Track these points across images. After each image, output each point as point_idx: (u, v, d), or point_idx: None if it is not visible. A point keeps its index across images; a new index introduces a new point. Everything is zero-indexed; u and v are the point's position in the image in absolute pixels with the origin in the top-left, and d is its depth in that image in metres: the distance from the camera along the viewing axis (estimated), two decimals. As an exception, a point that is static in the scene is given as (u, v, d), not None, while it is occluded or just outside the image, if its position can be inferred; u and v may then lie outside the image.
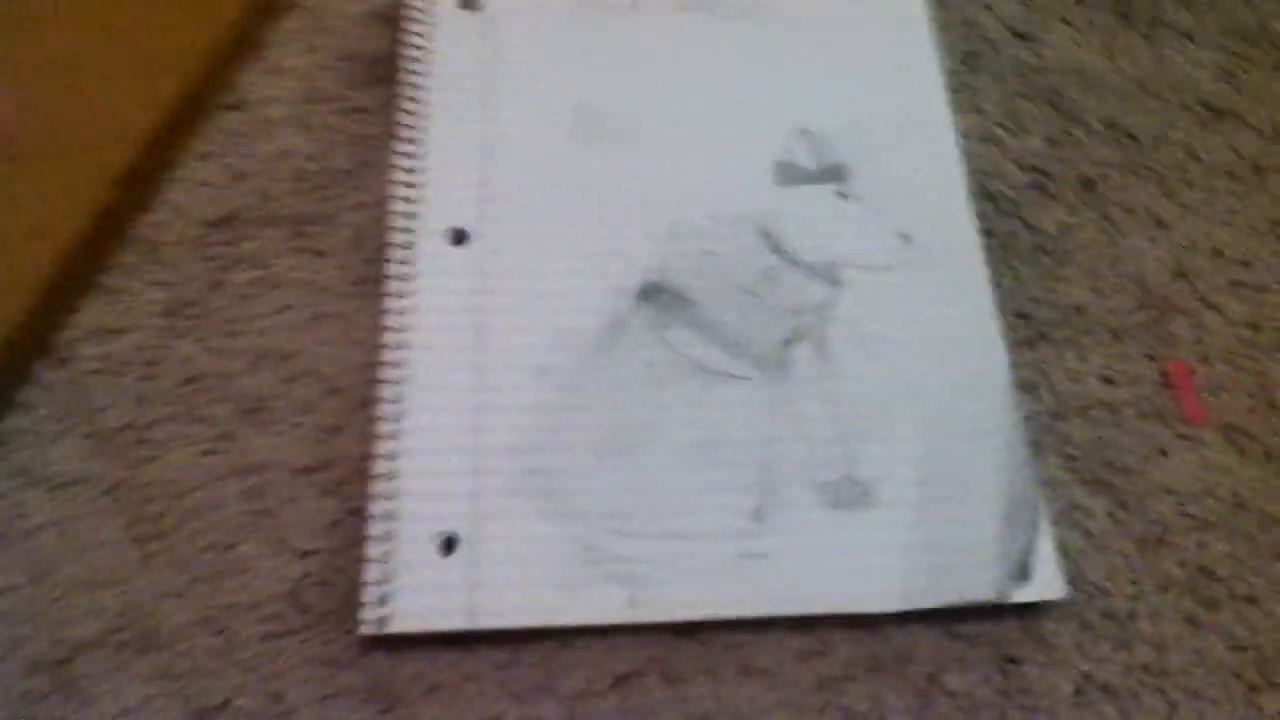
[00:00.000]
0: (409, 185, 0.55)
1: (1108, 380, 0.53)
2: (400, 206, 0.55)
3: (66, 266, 0.53)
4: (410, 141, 0.57)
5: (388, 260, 0.54)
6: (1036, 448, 0.51)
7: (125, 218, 0.56)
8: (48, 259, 0.53)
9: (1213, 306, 0.55)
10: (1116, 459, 0.51)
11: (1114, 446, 0.52)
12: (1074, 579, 0.49)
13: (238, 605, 0.47)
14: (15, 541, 0.48)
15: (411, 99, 0.58)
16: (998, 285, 0.55)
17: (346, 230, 0.56)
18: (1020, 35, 0.63)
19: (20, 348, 0.51)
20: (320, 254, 0.56)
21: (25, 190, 0.54)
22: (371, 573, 0.47)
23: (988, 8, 0.64)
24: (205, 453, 0.50)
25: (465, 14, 0.61)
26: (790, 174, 0.57)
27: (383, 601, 0.47)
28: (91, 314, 0.53)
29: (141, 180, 0.56)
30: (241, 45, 0.61)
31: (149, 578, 0.47)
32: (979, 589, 0.48)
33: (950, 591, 0.48)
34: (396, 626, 0.46)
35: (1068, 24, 0.64)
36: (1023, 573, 0.48)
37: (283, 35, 0.62)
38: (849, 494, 0.49)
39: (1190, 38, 0.64)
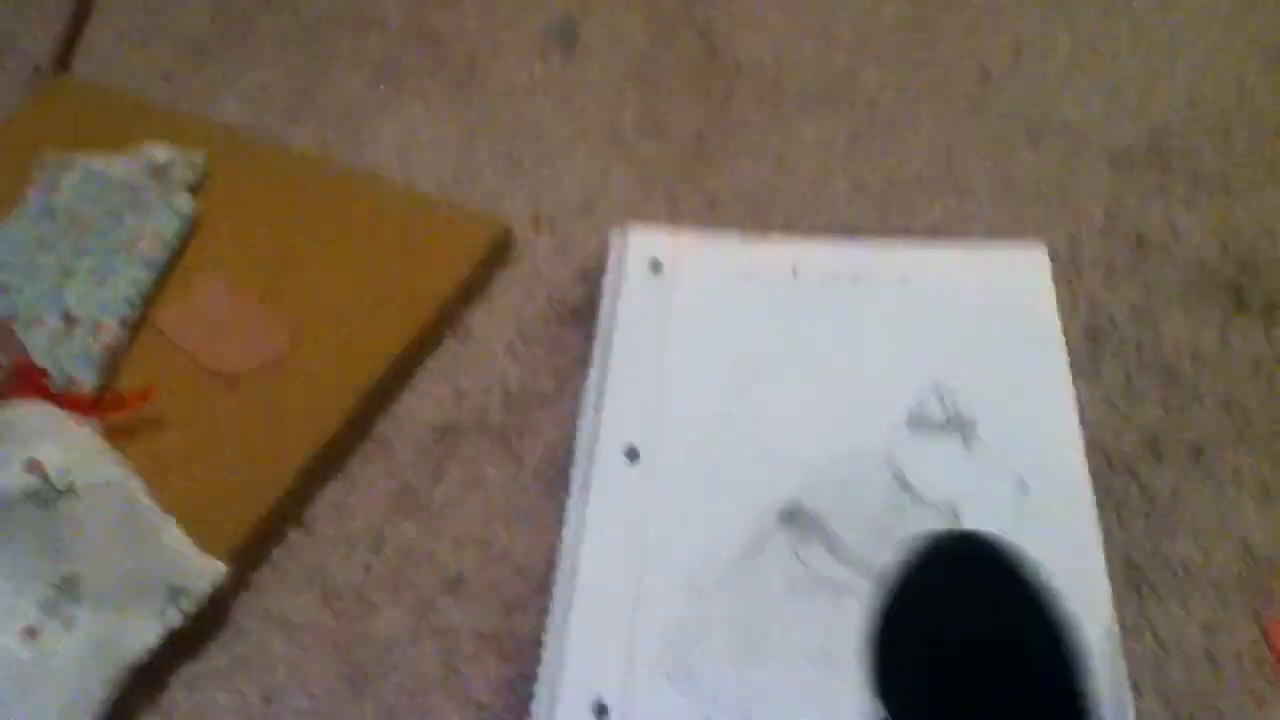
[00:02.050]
0: (595, 409, 0.67)
1: (1208, 630, 0.58)
2: (586, 426, 0.66)
3: (320, 456, 0.66)
4: (599, 374, 0.68)
5: (573, 468, 0.65)
6: (1136, 689, 0.56)
7: (368, 420, 0.69)
8: (307, 450, 0.66)
9: (1315, 571, 0.60)
10: (1214, 706, 0.55)
11: (1212, 694, 0.56)
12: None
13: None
14: (256, 668, 0.59)
15: (603, 340, 0.70)
16: (1108, 538, 0.61)
17: (543, 442, 0.68)
18: (1139, 312, 0.71)
19: (278, 517, 0.64)
20: (520, 460, 0.67)
21: (292, 397, 0.68)
22: None
23: (1111, 289, 0.73)
24: (412, 614, 0.60)
25: (652, 275, 0.74)
26: (921, 422, 0.65)
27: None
28: (334, 494, 0.66)
29: (383, 392, 0.70)
30: (472, 288, 0.75)
31: (355, 711, 0.57)
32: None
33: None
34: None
35: (1185, 306, 0.72)
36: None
37: (505, 281, 0.76)
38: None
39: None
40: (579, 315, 0.73)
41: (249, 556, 0.62)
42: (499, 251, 0.77)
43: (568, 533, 0.62)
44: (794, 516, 0.62)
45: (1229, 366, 0.69)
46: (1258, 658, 0.57)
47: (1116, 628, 0.57)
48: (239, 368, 0.69)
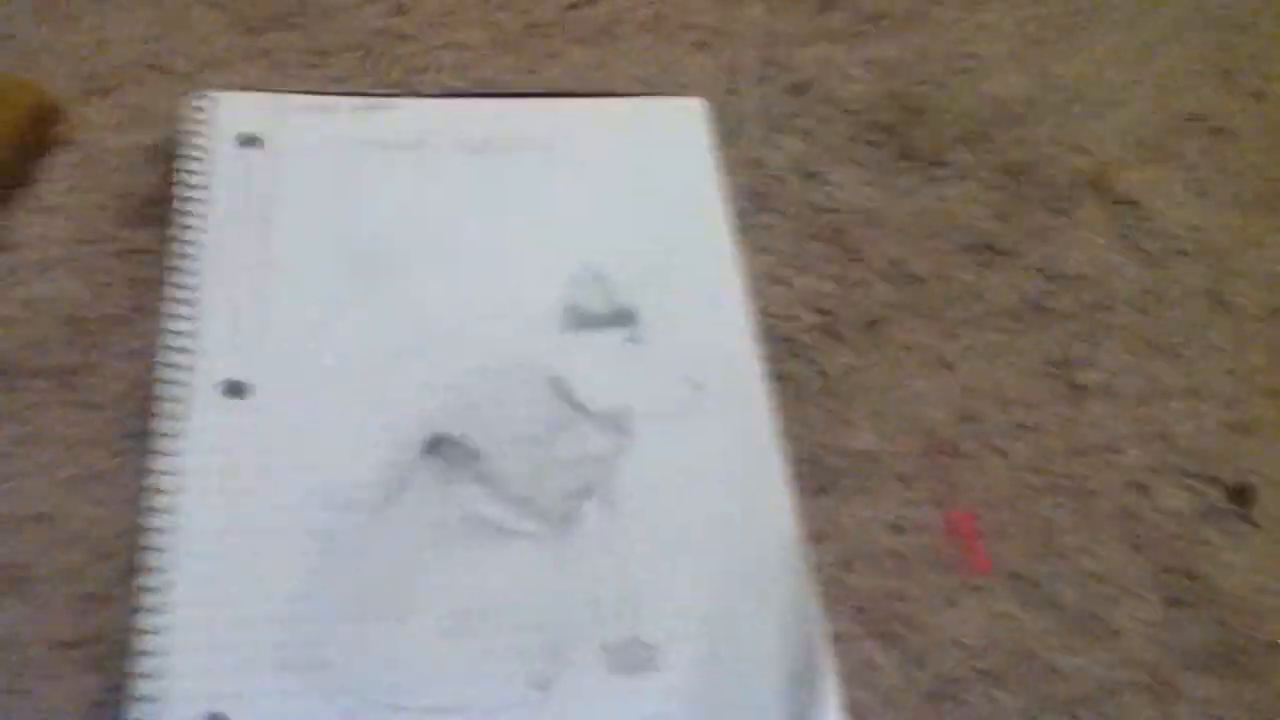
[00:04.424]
0: (181, 334, 0.53)
1: (897, 529, 0.54)
2: (171, 358, 0.53)
3: None
4: (183, 288, 0.54)
5: (156, 415, 0.51)
6: (827, 600, 0.51)
7: None
8: None
9: (997, 450, 0.57)
10: (906, 611, 0.52)
11: (904, 597, 0.52)
12: (864, 735, 0.49)
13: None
14: None
15: (185, 241, 0.56)
16: (787, 431, 0.55)
17: (119, 381, 0.54)
18: (808, 175, 0.65)
19: None
20: (90, 407, 0.53)
21: None
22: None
23: (776, 147, 0.66)
24: None
25: (245, 150, 0.59)
26: (579, 319, 0.56)
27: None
28: None
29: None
30: (7, 181, 0.58)
31: None
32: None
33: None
34: None
35: (854, 163, 0.66)
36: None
37: (53, 170, 0.59)
38: (635, 657, 0.48)
39: (968, 177, 0.67)
40: (154, 210, 0.58)
41: None
42: (41, 128, 0.60)
43: (155, 501, 0.49)
44: (439, 447, 0.52)
45: (899, 225, 0.64)
46: (948, 555, 0.53)
47: (800, 534, 0.52)
48: None
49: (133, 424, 0.52)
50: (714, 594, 0.50)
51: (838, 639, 0.50)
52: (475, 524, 0.51)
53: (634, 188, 0.62)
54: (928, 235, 0.64)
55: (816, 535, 0.53)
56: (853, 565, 0.53)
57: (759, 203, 0.63)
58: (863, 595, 0.52)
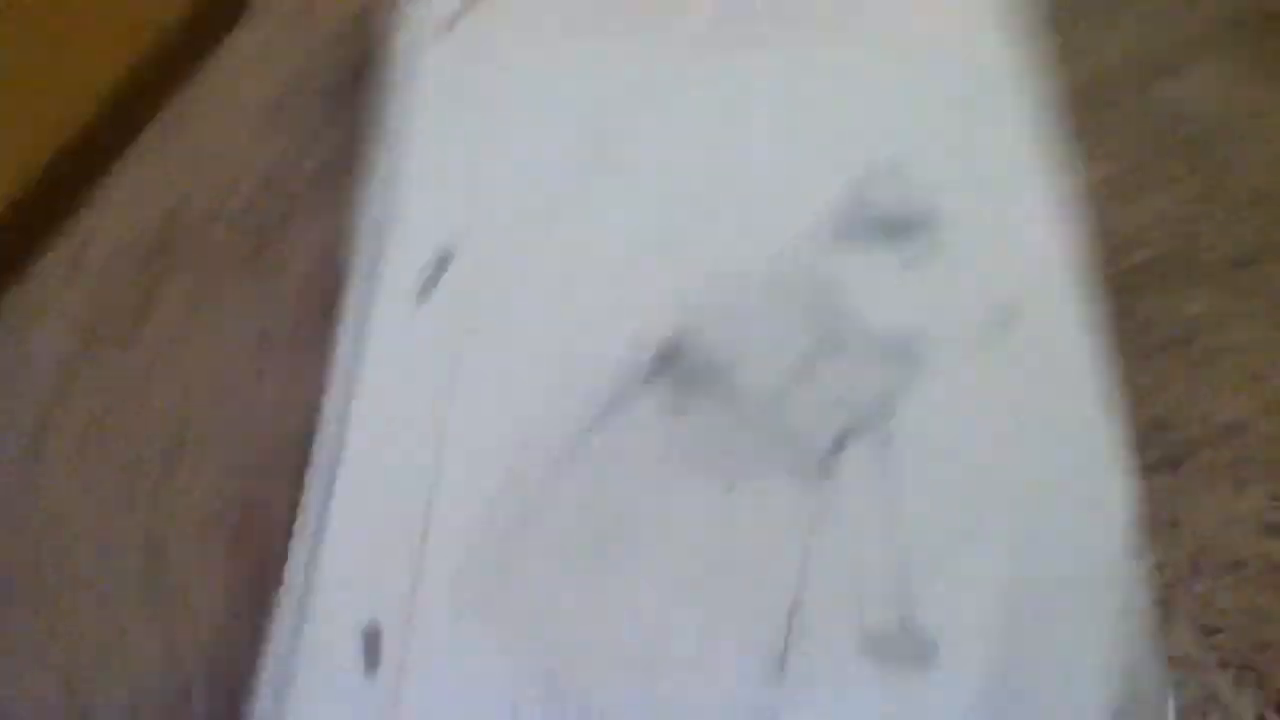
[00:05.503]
0: (374, 222, 0.45)
1: (1271, 529, 0.40)
2: (364, 245, 0.45)
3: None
4: (381, 171, 0.46)
5: (345, 300, 0.43)
6: (1164, 612, 0.38)
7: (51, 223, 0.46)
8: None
9: None
10: (1273, 638, 0.38)
11: (1271, 619, 0.38)
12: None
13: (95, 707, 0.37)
14: None
15: (384, 125, 0.48)
16: (1123, 387, 0.42)
17: (300, 260, 0.46)
18: (1155, 70, 0.51)
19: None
20: (268, 285, 0.46)
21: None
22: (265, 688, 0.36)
23: (1116, 35, 0.52)
24: (115, 493, 0.40)
25: (447, 32, 0.51)
26: (863, 222, 0.45)
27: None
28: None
29: (70, 185, 0.47)
30: (194, 48, 0.52)
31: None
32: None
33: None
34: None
35: (1214, 61, 0.51)
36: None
37: (238, 47, 0.53)
38: (905, 647, 0.37)
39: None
40: (344, 90, 0.50)
41: None
42: (226, 6, 0.54)
43: (335, 389, 0.42)
44: (671, 364, 0.42)
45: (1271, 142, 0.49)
46: None
47: (1136, 521, 0.39)
48: None
49: (311, 308, 0.45)
50: (1016, 583, 0.38)
51: (1175, 664, 0.37)
52: (709, 460, 0.40)
53: (938, 79, 0.49)
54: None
55: (1157, 525, 0.39)
56: (1203, 568, 0.39)
57: (1094, 102, 0.50)
58: (1215, 610, 0.39)
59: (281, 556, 0.38)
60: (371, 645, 0.37)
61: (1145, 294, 0.45)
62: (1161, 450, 0.41)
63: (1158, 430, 0.42)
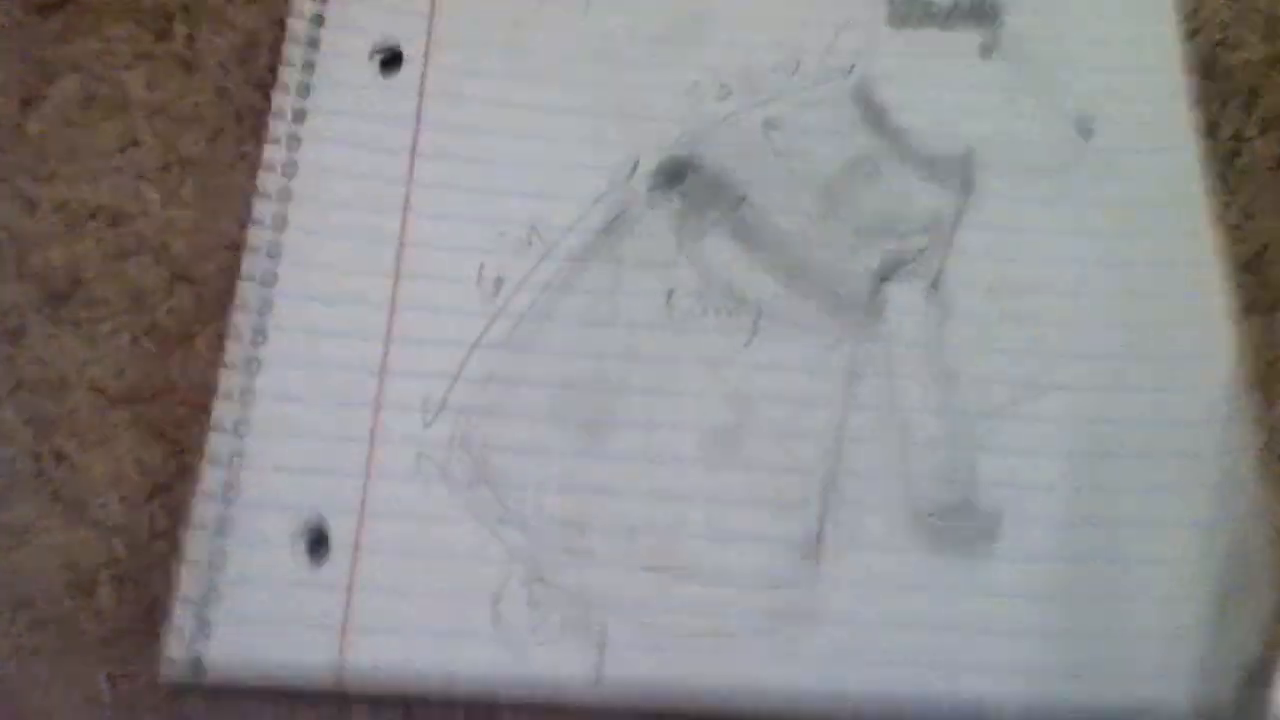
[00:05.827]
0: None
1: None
2: (306, 7, 0.36)
3: None
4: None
5: (277, 90, 0.35)
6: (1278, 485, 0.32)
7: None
8: None
9: None
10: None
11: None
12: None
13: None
14: None
15: None
16: (1226, 215, 0.35)
17: (236, 26, 0.37)
18: None
19: None
20: (190, 56, 0.37)
21: None
22: (190, 582, 0.30)
23: None
24: None
25: None
26: (913, 8, 0.37)
27: (202, 631, 0.29)
28: None
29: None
30: None
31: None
32: (1158, 707, 0.29)
33: (1108, 704, 0.29)
34: (217, 674, 0.29)
35: None
36: (1242, 689, 0.29)
37: None
38: (961, 528, 0.31)
39: None
40: None
41: None
42: None
43: (262, 210, 0.34)
44: (680, 177, 0.34)
45: None
46: None
47: (1244, 383, 0.32)
48: None
49: (245, 85, 0.36)
50: (1094, 449, 0.31)
51: None
52: (724, 298, 0.33)
53: None
54: None
55: (1265, 380, 0.33)
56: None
57: None
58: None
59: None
60: (316, 536, 0.30)
61: (1252, 107, 0.37)
62: (1269, 290, 0.35)
63: (1261, 269, 0.35)
